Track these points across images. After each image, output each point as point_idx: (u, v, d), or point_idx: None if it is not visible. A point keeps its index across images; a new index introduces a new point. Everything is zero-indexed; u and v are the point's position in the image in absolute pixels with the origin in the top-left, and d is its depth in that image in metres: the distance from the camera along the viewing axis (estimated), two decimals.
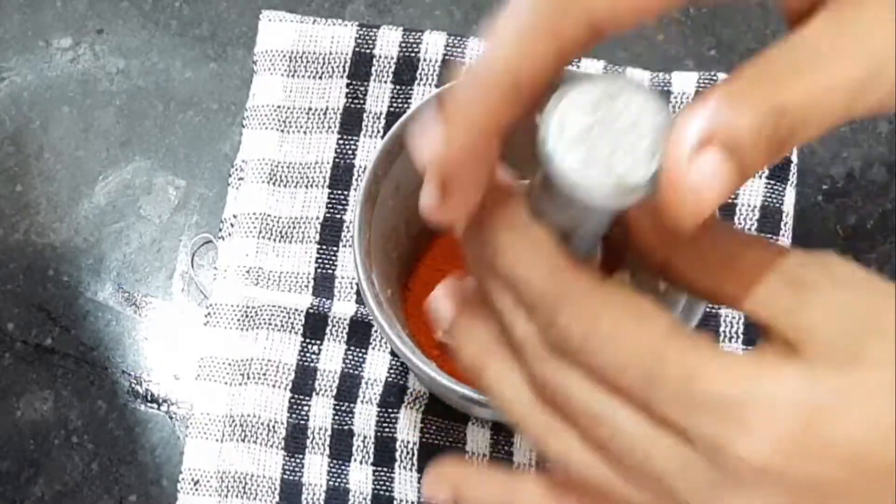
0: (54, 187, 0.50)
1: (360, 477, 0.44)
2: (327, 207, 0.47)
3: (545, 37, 0.18)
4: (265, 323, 0.46)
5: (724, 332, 0.44)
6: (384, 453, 0.44)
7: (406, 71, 0.48)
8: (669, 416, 0.19)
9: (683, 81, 0.47)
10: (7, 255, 0.49)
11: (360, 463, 0.45)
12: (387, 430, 0.45)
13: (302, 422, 0.45)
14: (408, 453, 0.44)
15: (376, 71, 0.48)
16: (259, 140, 0.48)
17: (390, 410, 0.45)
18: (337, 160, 0.48)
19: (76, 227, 0.49)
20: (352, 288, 0.46)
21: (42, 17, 0.52)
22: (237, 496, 0.45)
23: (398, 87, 0.48)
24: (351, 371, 0.45)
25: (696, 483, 0.19)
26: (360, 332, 0.46)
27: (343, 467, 0.45)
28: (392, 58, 0.48)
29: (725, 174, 0.18)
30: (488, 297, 0.22)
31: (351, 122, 0.48)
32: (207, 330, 0.46)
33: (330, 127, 0.48)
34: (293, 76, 0.49)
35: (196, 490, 0.45)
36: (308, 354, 0.46)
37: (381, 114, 0.48)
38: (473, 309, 0.23)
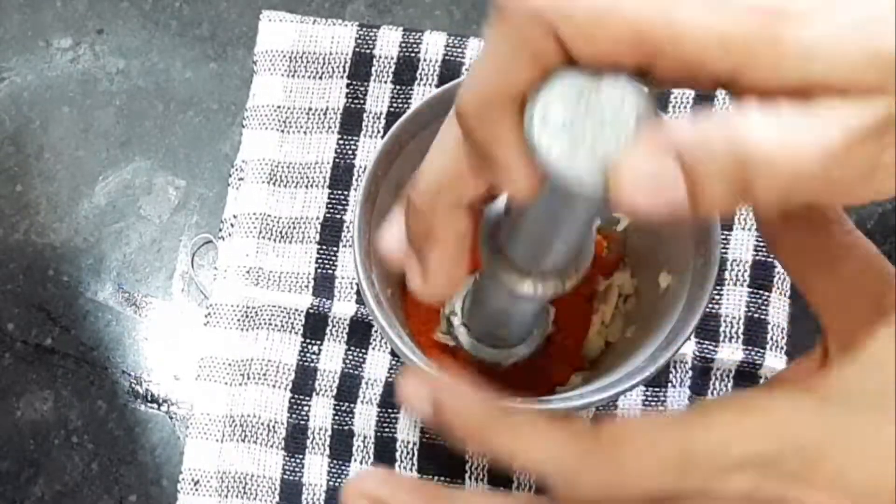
0: (54, 187, 0.50)
1: None
2: (327, 207, 0.47)
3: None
4: (265, 323, 0.46)
5: (724, 332, 0.44)
6: (384, 453, 0.45)
7: (406, 71, 0.48)
8: None
9: None
10: (7, 255, 0.49)
11: (361, 463, 0.45)
12: (387, 430, 0.45)
13: (302, 422, 0.45)
14: (408, 454, 0.44)
15: (376, 71, 0.48)
16: (259, 140, 0.48)
17: (390, 411, 0.45)
18: (337, 160, 0.48)
19: (76, 227, 0.49)
20: (352, 288, 0.46)
21: (42, 17, 0.52)
22: (237, 496, 0.45)
23: (398, 87, 0.48)
24: (351, 371, 0.45)
25: None
26: (360, 333, 0.46)
27: (343, 467, 0.45)
28: (392, 58, 0.48)
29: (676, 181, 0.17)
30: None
31: (351, 122, 0.48)
32: (207, 330, 0.46)
33: (330, 127, 0.48)
34: (293, 76, 0.49)
35: (196, 490, 0.45)
36: (308, 354, 0.46)
37: (381, 114, 0.48)
38: None
